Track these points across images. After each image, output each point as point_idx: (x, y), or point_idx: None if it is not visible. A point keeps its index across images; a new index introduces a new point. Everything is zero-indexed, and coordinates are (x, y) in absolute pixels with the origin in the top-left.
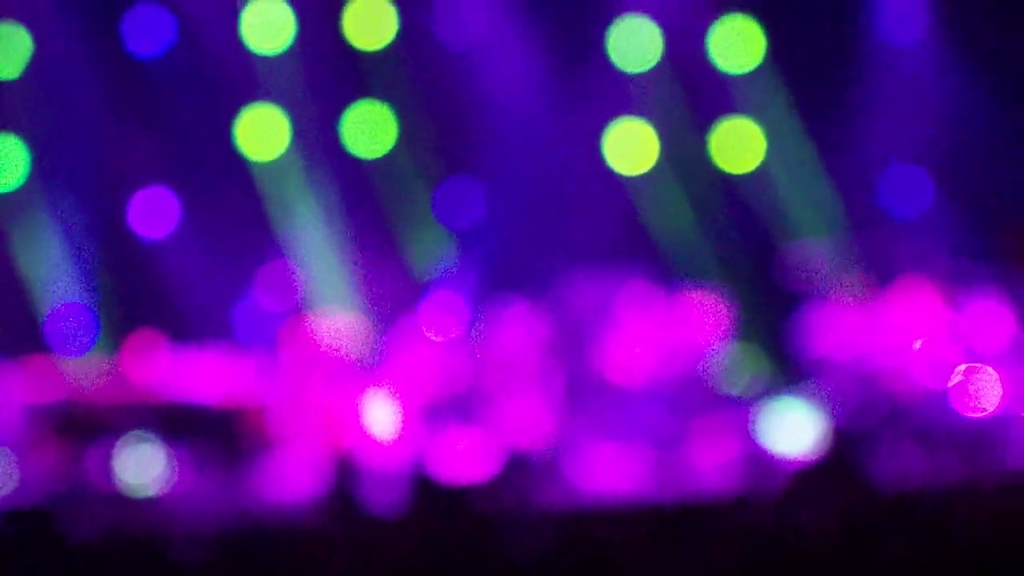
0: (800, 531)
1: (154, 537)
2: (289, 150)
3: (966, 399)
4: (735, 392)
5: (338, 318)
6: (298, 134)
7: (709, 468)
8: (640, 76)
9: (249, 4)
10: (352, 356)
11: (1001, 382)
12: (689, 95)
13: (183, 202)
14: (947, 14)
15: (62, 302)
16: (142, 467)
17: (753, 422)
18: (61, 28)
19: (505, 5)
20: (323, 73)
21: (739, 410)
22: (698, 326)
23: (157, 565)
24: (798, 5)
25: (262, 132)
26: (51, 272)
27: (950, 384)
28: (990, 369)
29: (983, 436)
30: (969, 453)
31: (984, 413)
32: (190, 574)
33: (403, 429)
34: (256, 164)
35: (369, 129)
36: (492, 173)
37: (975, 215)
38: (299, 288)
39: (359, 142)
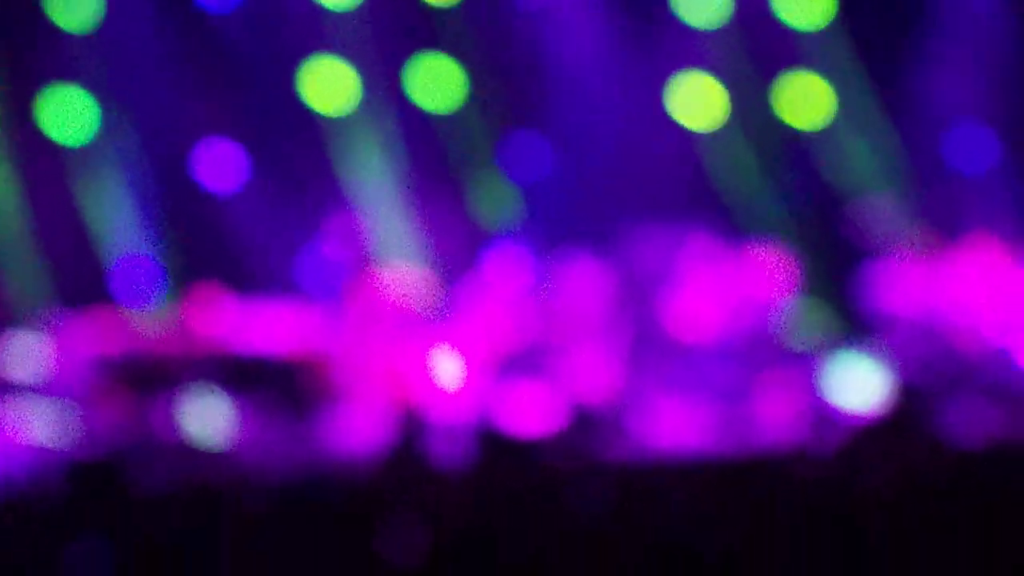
0: (864, 487)
1: (219, 489)
2: (357, 104)
3: None
4: (801, 347)
5: (404, 270)
6: (366, 88)
7: (774, 423)
8: (707, 32)
9: None
10: (418, 308)
11: None
12: (756, 50)
13: (250, 155)
14: None
15: (129, 254)
16: (207, 419)
17: (819, 377)
18: None
19: None
20: (392, 27)
21: (805, 365)
22: (764, 281)
23: (222, 517)
24: None
25: (330, 86)
26: (119, 224)
27: (1017, 340)
28: None
29: None
30: None
31: None
32: (255, 526)
33: (469, 382)
34: (324, 117)
35: (437, 83)
36: (559, 128)
37: None
38: (365, 240)
39: (427, 96)
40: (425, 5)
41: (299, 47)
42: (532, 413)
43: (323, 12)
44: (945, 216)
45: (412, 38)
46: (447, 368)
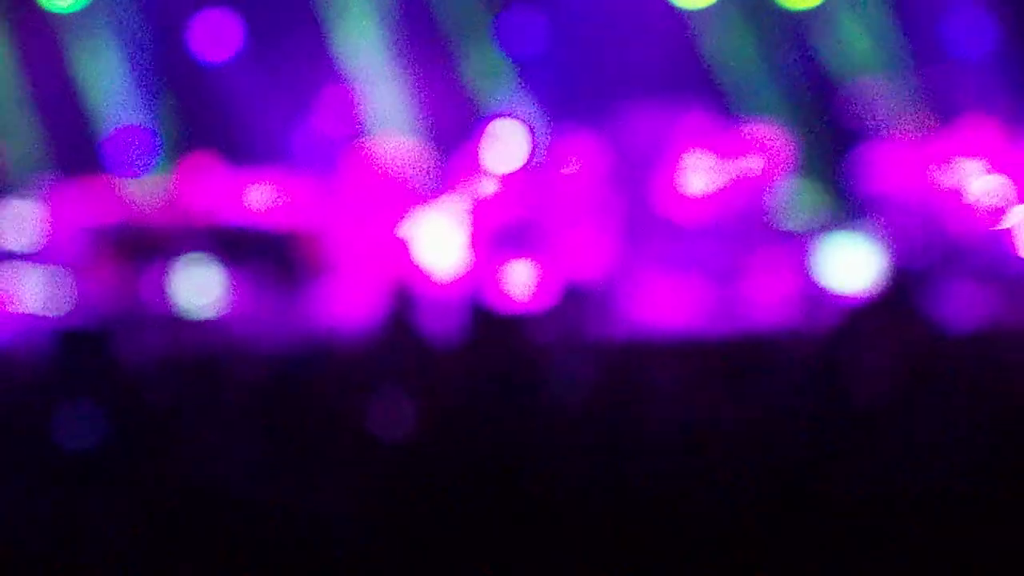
0: (855, 367)
1: (208, 358)
2: None
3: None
4: (794, 228)
5: (398, 144)
6: None
7: (766, 303)
8: None
9: None
10: (411, 182)
11: None
12: None
13: (245, 26)
14: None
15: (123, 123)
16: (198, 289)
17: (811, 258)
18: None
19: None
20: None
21: (797, 246)
22: (758, 161)
23: (211, 386)
24: None
25: None
26: (113, 93)
27: (1009, 224)
28: None
29: None
30: None
31: None
32: (243, 395)
33: (460, 257)
34: None
35: None
36: (555, 3)
37: None
38: (359, 113)
39: None
40: None
41: None
42: (523, 289)
43: None
44: (939, 97)
45: None
46: (439, 242)
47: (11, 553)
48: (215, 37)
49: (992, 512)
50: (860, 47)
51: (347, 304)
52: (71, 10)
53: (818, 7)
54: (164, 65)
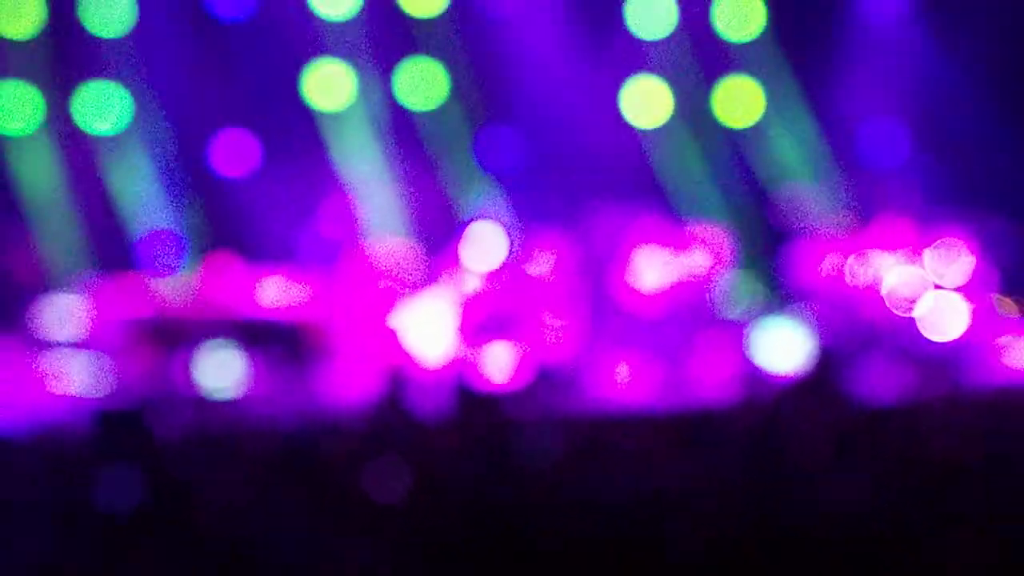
0: (789, 436)
1: (228, 434)
2: (352, 101)
3: (934, 325)
4: (734, 315)
5: (391, 244)
6: (361, 88)
7: (710, 381)
8: (655, 41)
9: None
10: (403, 278)
11: (965, 311)
12: (698, 58)
13: (260, 144)
14: None
15: (154, 228)
16: (220, 373)
17: (749, 341)
18: None
19: None
20: (383, 35)
21: (737, 330)
22: (703, 257)
23: (232, 457)
24: None
25: (330, 86)
26: (146, 202)
27: (921, 312)
28: (956, 298)
29: (948, 358)
30: (935, 373)
31: (950, 338)
32: (258, 466)
33: (446, 343)
34: (324, 113)
35: (421, 84)
36: (527, 123)
37: (947, 164)
38: (358, 218)
39: (413, 95)
40: (411, 16)
41: (302, 52)
42: (501, 370)
43: (323, 22)
44: (860, 202)
45: (400, 44)
46: (428, 330)
47: None
48: (234, 154)
49: (912, 566)
50: (790, 158)
51: (348, 385)
52: (114, 132)
53: (754, 124)
54: (190, 178)
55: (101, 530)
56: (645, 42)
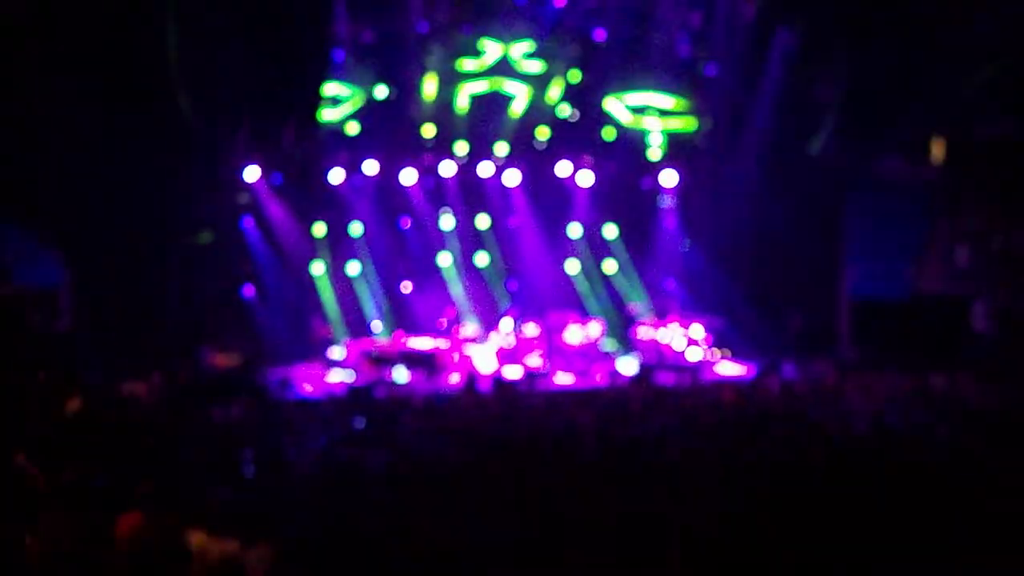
0: (630, 403)
1: (403, 399)
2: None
3: (687, 356)
4: (609, 352)
5: (470, 323)
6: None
7: (601, 377)
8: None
9: None
10: (473, 338)
11: (701, 351)
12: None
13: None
14: None
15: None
16: (400, 375)
17: (614, 362)
18: None
19: None
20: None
21: (610, 360)
22: (595, 330)
23: (404, 408)
24: None
25: None
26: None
27: (684, 351)
28: (696, 347)
29: (694, 369)
30: (689, 375)
31: (695, 361)
32: (415, 413)
33: (492, 364)
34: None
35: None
36: (522, 275)
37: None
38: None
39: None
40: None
41: None
42: (514, 375)
43: None
44: (661, 308)
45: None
46: (484, 359)
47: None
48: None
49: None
50: (630, 293)
51: (450, 380)
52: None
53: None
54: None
55: (350, 440)
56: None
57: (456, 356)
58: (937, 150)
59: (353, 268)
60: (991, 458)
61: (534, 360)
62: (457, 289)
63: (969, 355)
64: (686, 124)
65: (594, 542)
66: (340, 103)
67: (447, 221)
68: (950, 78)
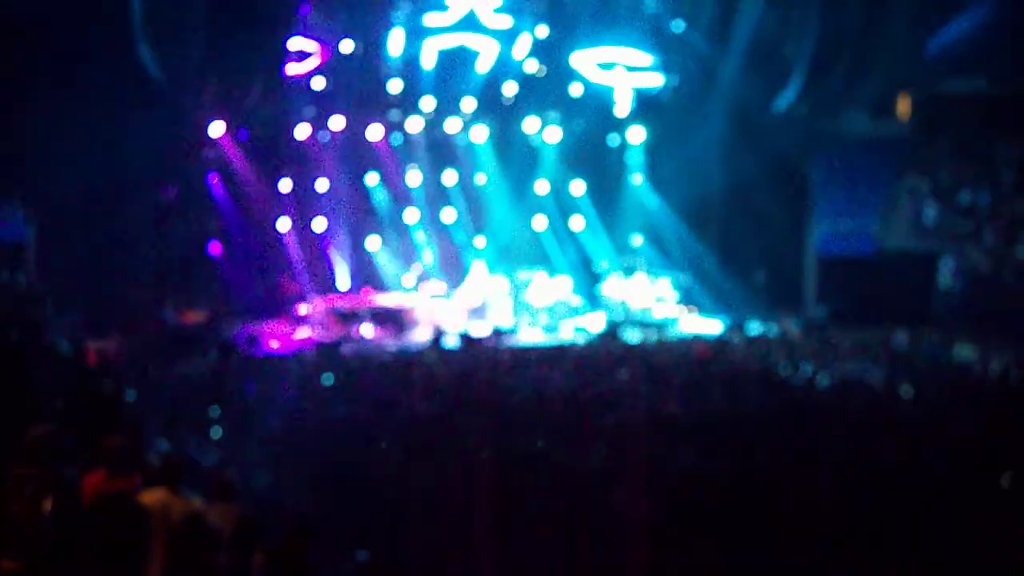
0: (596, 360)
1: (373, 353)
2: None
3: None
4: (577, 308)
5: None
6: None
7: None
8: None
9: None
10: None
11: None
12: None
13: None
14: None
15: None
16: (367, 331)
17: (583, 319)
18: None
19: None
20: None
21: (578, 316)
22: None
23: (372, 361)
24: None
25: None
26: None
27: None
28: None
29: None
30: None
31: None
32: (382, 367)
33: (459, 321)
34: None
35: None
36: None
37: None
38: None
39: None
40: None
41: None
42: (480, 330)
43: None
44: (629, 265)
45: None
46: (453, 316)
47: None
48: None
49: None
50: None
51: (418, 336)
52: None
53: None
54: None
55: (320, 395)
56: None
57: (423, 313)
58: (903, 106)
59: (319, 224)
60: (952, 414)
61: (501, 316)
62: (424, 246)
63: (936, 311)
64: (653, 80)
65: (560, 495)
66: (305, 58)
67: (414, 177)
68: (915, 33)
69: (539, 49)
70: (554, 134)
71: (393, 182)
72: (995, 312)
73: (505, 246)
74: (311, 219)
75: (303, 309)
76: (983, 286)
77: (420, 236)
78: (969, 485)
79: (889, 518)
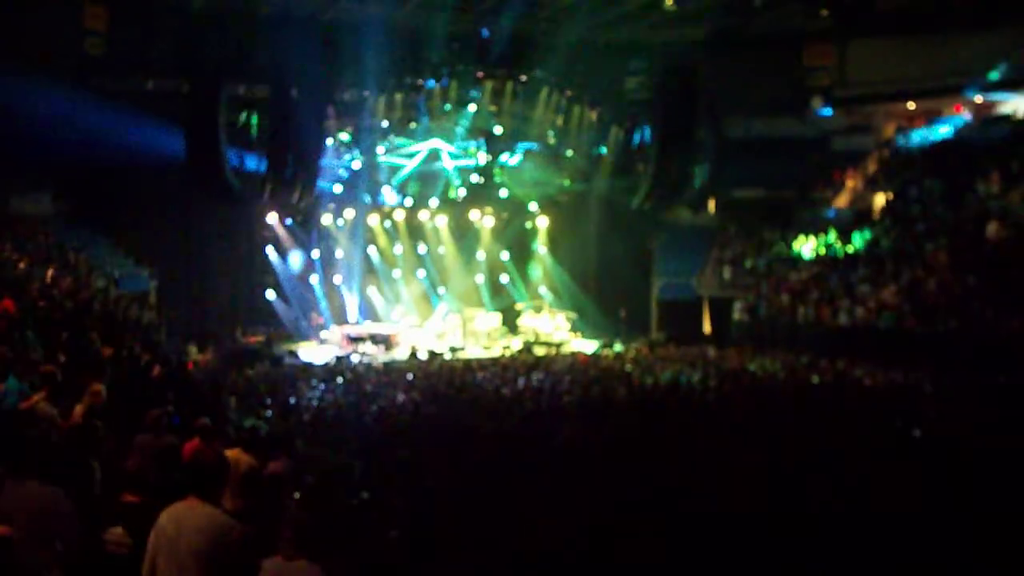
0: (515, 367)
1: (367, 364)
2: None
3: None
4: (504, 334)
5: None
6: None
7: (496, 350)
8: None
9: None
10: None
11: None
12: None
13: None
14: None
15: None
16: (368, 348)
17: (507, 341)
18: None
19: None
20: None
21: (505, 339)
22: (496, 320)
23: (367, 368)
24: None
25: None
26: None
27: None
28: None
29: None
30: None
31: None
32: (379, 373)
33: (427, 341)
34: None
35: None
36: None
37: None
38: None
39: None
40: None
41: None
42: (442, 347)
43: None
44: (538, 305)
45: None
46: (423, 338)
47: None
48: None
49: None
50: (518, 292)
51: (401, 351)
52: None
53: None
54: None
55: (335, 389)
56: None
57: (403, 336)
58: (711, 205)
59: (337, 279)
60: (744, 402)
61: (455, 339)
62: (405, 293)
63: (731, 335)
64: (553, 189)
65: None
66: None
67: (398, 249)
68: (718, 157)
69: (478, 167)
70: (489, 221)
71: (384, 252)
72: (769, 335)
73: (457, 292)
74: (332, 275)
75: (325, 334)
76: (760, 320)
77: (402, 286)
78: (741, 451)
79: (689, 465)
